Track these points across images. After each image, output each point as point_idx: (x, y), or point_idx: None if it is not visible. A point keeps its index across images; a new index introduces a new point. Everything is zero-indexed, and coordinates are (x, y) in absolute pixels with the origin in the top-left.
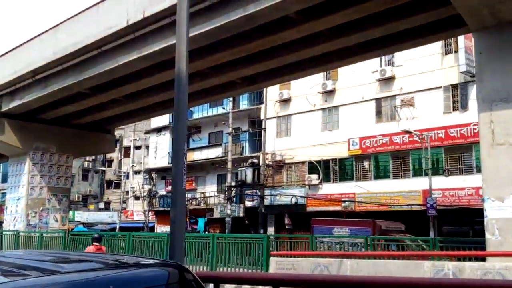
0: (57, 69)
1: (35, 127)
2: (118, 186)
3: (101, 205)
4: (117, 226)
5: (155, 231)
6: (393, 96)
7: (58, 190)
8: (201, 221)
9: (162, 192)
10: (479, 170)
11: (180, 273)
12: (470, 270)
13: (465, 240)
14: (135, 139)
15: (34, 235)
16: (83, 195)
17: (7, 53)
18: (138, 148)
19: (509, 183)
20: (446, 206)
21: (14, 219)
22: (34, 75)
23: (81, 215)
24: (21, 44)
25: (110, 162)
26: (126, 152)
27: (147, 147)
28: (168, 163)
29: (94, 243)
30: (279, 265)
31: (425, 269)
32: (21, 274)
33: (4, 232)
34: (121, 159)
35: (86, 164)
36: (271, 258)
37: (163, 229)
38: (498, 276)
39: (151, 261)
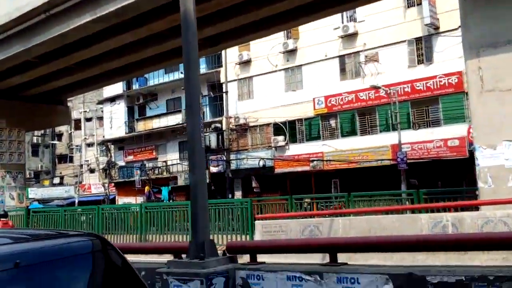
0: (2, 36)
1: None
2: (71, 160)
3: (56, 180)
4: (76, 201)
5: (116, 203)
6: (357, 53)
7: (12, 167)
8: (165, 190)
9: (121, 163)
10: (446, 122)
11: (102, 243)
12: (470, 220)
13: (448, 190)
14: (85, 111)
15: None
16: (35, 171)
17: None
18: (88, 120)
19: (501, 130)
20: (415, 159)
21: None
22: None
23: (35, 192)
24: None
25: (60, 136)
26: (77, 124)
27: (99, 118)
28: (126, 133)
29: (1, 219)
30: (266, 228)
31: (422, 221)
32: None
33: None
34: (71, 132)
35: (35, 139)
36: (257, 222)
37: (124, 200)
38: (501, 224)
39: (70, 233)
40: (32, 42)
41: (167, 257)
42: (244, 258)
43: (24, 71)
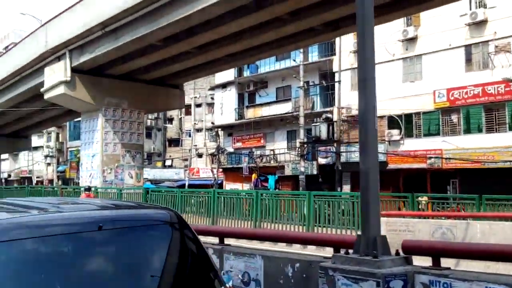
0: (128, 19)
1: (106, 82)
2: (180, 144)
3: (168, 163)
4: (186, 183)
5: (223, 188)
6: (486, 42)
7: (131, 147)
8: (272, 179)
9: (229, 149)
10: None
11: (177, 217)
12: None
13: None
14: (196, 97)
15: (112, 191)
16: (148, 153)
17: (75, 4)
18: (198, 106)
19: None
20: None
21: (90, 175)
22: (104, 27)
23: (148, 172)
24: None
25: (171, 120)
26: (187, 110)
27: (208, 104)
28: (235, 120)
29: (86, 192)
30: (390, 226)
31: None
32: (23, 212)
33: (82, 188)
34: (181, 117)
35: (149, 122)
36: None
37: (231, 186)
38: None
39: (149, 205)
40: (157, 24)
41: (311, 250)
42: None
43: (145, 55)
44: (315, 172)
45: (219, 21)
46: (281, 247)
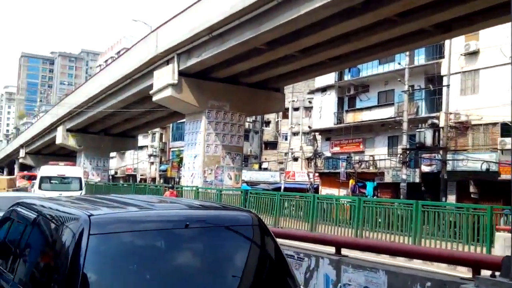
0: (234, 23)
1: (210, 86)
2: (276, 147)
3: (265, 165)
4: (282, 187)
5: (319, 193)
6: None
7: (232, 149)
8: (370, 185)
9: (327, 153)
10: None
11: (258, 219)
12: None
13: None
14: (293, 100)
15: (212, 192)
16: (245, 155)
17: (184, 11)
18: (296, 109)
19: None
20: None
21: (192, 175)
22: (211, 32)
23: (244, 174)
24: (199, 0)
25: (267, 124)
26: (284, 113)
27: (306, 108)
28: (334, 124)
29: (170, 190)
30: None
31: None
32: (122, 208)
33: (184, 188)
34: (278, 120)
35: (247, 125)
36: (497, 234)
37: (327, 191)
38: None
39: (233, 207)
40: (262, 28)
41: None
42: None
43: (249, 58)
44: (417, 180)
45: (325, 24)
46: (400, 260)
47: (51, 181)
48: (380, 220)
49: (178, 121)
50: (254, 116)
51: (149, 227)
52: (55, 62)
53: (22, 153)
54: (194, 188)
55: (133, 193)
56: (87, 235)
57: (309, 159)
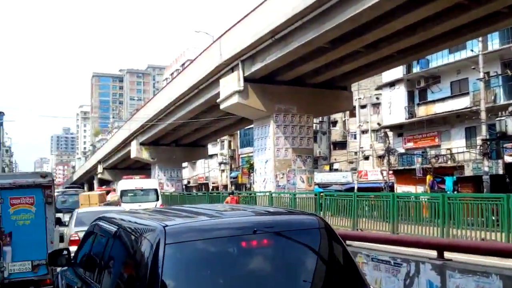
0: (297, 25)
1: (275, 89)
2: (345, 146)
3: (336, 166)
4: (355, 187)
5: (395, 191)
6: None
7: (302, 151)
8: (449, 180)
9: (400, 150)
10: None
11: (324, 223)
12: None
13: None
14: (360, 98)
15: (285, 196)
16: (314, 156)
17: (245, 17)
18: (363, 107)
19: None
20: None
21: (264, 181)
22: (274, 35)
23: (315, 176)
24: (259, 5)
25: (334, 123)
26: (351, 111)
27: (373, 105)
28: (405, 119)
29: (230, 195)
30: None
31: None
32: (193, 217)
33: (257, 193)
34: (345, 119)
35: (314, 126)
36: None
37: (403, 189)
38: None
39: (298, 211)
40: (326, 26)
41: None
42: None
43: (313, 59)
44: (500, 171)
45: (389, 17)
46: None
47: (131, 194)
48: (471, 217)
49: (246, 128)
50: (320, 117)
51: (219, 235)
52: (124, 79)
53: (100, 168)
54: (268, 193)
55: (207, 202)
56: (163, 244)
57: (381, 157)
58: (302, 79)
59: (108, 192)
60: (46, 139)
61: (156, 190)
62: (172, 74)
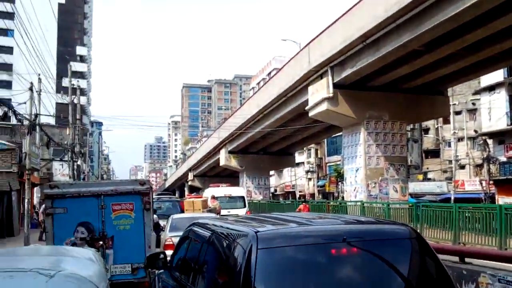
0: (390, 27)
1: (366, 96)
2: (438, 155)
3: (430, 175)
4: (452, 198)
5: (496, 203)
6: None
7: (394, 159)
8: None
9: (501, 158)
10: None
11: (415, 232)
12: None
13: None
14: (455, 104)
15: (377, 206)
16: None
17: (334, 23)
18: (458, 113)
19: None
20: None
21: (354, 190)
22: (365, 39)
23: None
24: (349, 10)
25: (426, 131)
26: (445, 118)
27: (469, 111)
28: (507, 125)
29: (303, 203)
30: None
31: None
32: (283, 224)
33: (348, 203)
34: (438, 126)
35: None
36: None
37: (505, 200)
38: None
39: (387, 221)
40: (422, 28)
41: None
42: None
43: (407, 62)
44: None
45: (492, 16)
46: None
47: (220, 201)
48: None
49: (333, 135)
50: (412, 124)
51: (309, 242)
52: (212, 89)
53: (190, 176)
54: (359, 203)
55: (295, 210)
56: (255, 249)
57: (479, 166)
58: (395, 84)
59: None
60: (140, 147)
61: (243, 197)
62: (258, 83)
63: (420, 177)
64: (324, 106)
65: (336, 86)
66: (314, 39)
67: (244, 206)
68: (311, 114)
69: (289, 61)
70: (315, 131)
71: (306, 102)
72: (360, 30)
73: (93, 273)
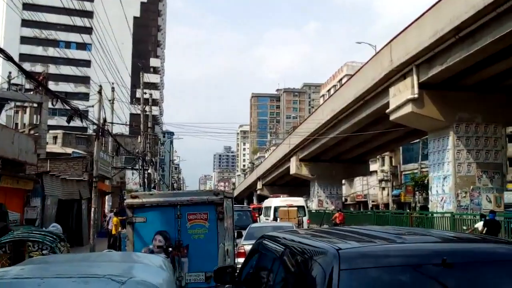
0: (489, 16)
1: (456, 96)
2: None
3: None
4: None
5: None
6: None
7: (488, 166)
8: None
9: None
10: None
11: None
12: None
13: None
14: None
15: (468, 218)
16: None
17: (421, 16)
18: None
19: None
20: None
21: (442, 200)
22: (458, 33)
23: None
24: (438, 1)
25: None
26: None
27: None
28: None
29: (339, 212)
30: None
31: None
32: (365, 240)
33: (434, 214)
34: None
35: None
36: None
37: None
38: None
39: (490, 238)
40: None
41: None
42: None
43: (508, 56)
44: None
45: None
46: None
47: None
48: None
49: (410, 142)
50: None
51: (403, 262)
52: (280, 98)
53: (259, 185)
54: (448, 215)
55: (373, 222)
56: (337, 270)
57: None
58: (491, 82)
59: (259, 210)
60: (209, 157)
61: (303, 207)
62: (329, 90)
63: (511, 186)
64: (408, 108)
65: (421, 86)
66: (397, 36)
67: (304, 215)
68: (392, 117)
69: (367, 62)
70: (393, 137)
71: (387, 105)
72: (452, 22)
73: (163, 280)
